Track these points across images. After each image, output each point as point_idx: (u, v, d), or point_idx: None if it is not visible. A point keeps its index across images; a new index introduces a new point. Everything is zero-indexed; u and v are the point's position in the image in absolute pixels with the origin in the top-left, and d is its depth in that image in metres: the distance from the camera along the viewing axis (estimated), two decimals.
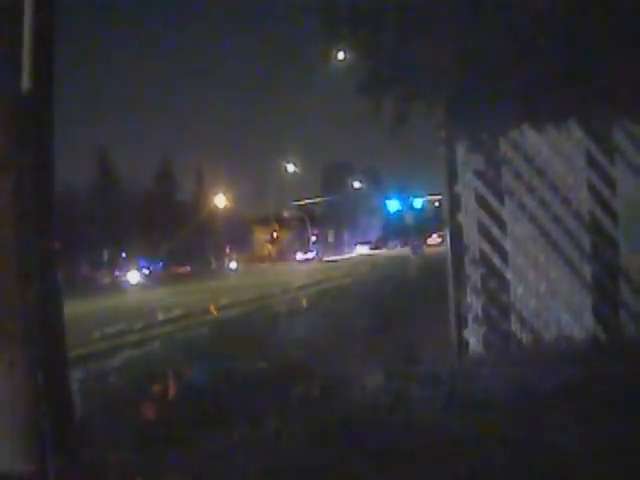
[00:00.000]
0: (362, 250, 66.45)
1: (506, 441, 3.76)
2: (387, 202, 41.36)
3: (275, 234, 69.11)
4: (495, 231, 6.06)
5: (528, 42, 5.82)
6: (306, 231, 66.46)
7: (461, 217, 6.12)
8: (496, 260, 6.05)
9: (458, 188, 6.13)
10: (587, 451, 3.51)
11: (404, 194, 37.49)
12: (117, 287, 36.38)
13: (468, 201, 6.10)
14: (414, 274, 18.91)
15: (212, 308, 14.62)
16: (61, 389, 3.31)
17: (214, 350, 8.18)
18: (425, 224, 43.58)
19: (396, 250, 55.82)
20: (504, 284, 6.03)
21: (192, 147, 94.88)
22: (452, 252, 6.18)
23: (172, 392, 6.33)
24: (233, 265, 57.31)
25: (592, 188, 5.92)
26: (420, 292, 11.46)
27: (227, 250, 60.98)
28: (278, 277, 28.88)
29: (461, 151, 6.12)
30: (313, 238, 68.57)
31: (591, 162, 5.92)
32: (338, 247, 72.82)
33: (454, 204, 6.15)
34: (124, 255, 52.18)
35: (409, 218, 33.80)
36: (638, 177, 5.85)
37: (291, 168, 53.68)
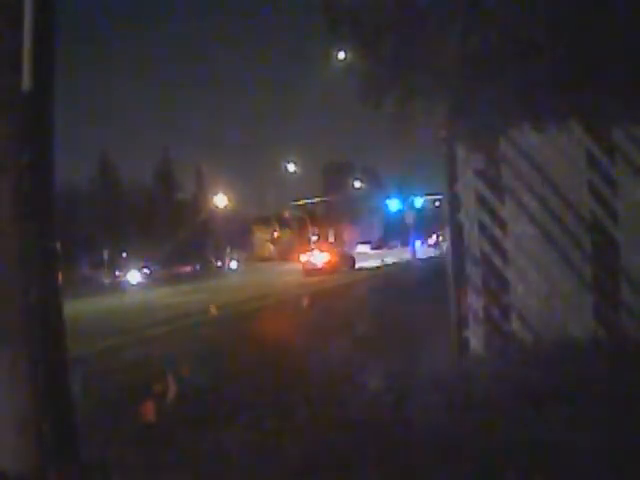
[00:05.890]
0: (362, 249, 66.30)
1: (505, 441, 3.76)
2: (387, 201, 41.42)
3: (275, 234, 69.01)
4: (495, 231, 6.06)
5: (528, 42, 5.82)
6: (306, 231, 66.42)
7: (461, 217, 6.12)
8: (496, 260, 6.04)
9: (458, 187, 6.13)
10: (587, 451, 3.50)
11: (404, 193, 37.47)
12: (117, 287, 36.32)
13: (468, 200, 6.10)
14: None
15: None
16: (61, 389, 3.30)
17: None
18: (425, 223, 43.59)
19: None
20: (505, 284, 6.03)
21: (192, 147, 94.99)
22: (452, 252, 6.18)
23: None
24: (233, 265, 57.28)
25: (593, 188, 5.91)
26: None
27: (227, 250, 60.96)
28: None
29: (461, 150, 6.11)
30: (314, 238, 68.55)
31: (592, 162, 5.91)
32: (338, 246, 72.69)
33: (454, 203, 6.14)
34: (124, 255, 52.17)
35: (409, 217, 33.76)
36: (639, 177, 5.85)
37: (291, 168, 53.57)
